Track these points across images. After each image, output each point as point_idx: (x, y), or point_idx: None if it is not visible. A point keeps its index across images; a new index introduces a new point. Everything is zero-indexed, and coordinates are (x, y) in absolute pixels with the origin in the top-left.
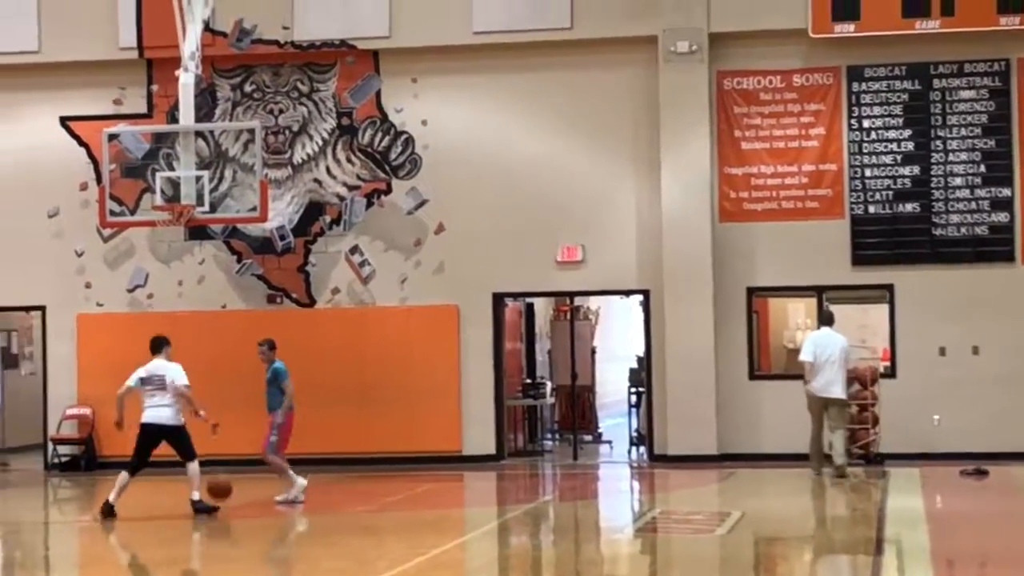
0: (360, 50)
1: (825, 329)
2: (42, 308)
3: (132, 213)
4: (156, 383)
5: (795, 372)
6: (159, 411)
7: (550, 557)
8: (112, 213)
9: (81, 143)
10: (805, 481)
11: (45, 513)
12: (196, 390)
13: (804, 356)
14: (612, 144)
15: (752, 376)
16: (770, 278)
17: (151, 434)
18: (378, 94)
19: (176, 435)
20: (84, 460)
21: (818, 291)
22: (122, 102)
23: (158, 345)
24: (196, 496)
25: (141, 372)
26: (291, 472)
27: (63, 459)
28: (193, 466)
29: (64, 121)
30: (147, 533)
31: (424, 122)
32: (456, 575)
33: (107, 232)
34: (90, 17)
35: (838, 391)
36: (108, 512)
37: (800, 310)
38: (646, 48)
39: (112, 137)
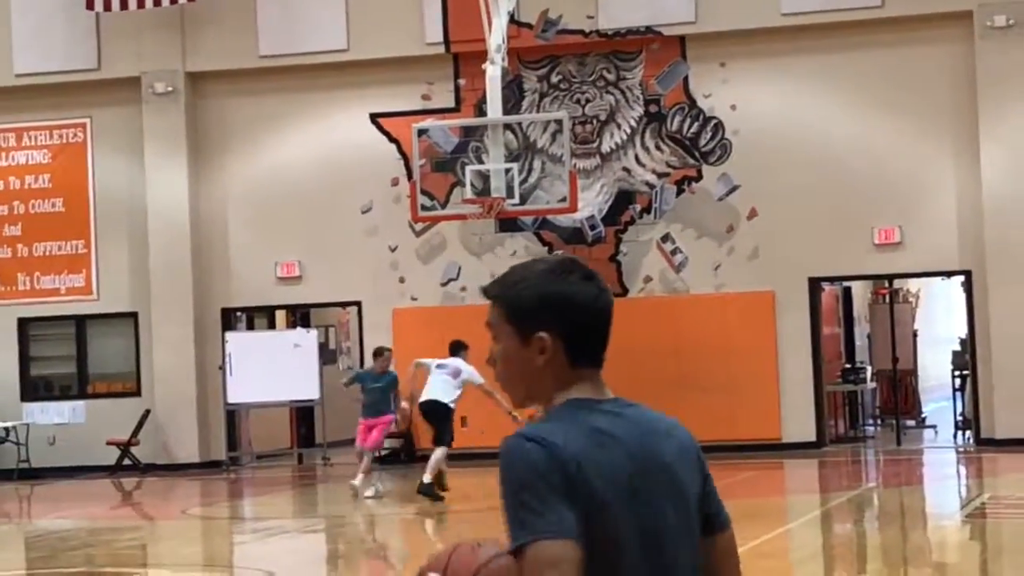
0: (666, 36)
1: None
2: (358, 304)
3: (443, 207)
4: (450, 370)
5: None
6: (437, 390)
7: (876, 544)
8: (423, 208)
9: (391, 139)
10: None
11: (366, 506)
12: None
13: None
14: (928, 122)
15: None
16: None
17: (427, 411)
18: (685, 80)
19: (444, 416)
20: (403, 453)
21: None
22: (430, 97)
23: (457, 348)
24: (427, 479)
25: (437, 361)
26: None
27: (383, 452)
28: (439, 452)
29: (374, 118)
30: (463, 522)
31: (733, 107)
32: (782, 564)
33: (419, 227)
34: (397, 14)
35: None
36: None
37: None
38: (961, 23)
39: (421, 132)
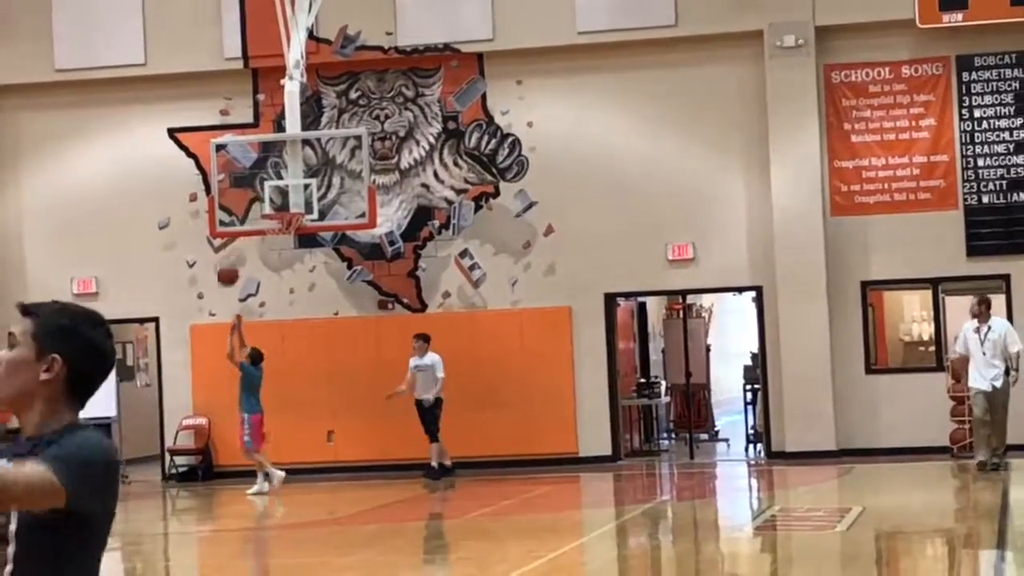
0: (464, 53)
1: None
2: (155, 319)
3: (242, 223)
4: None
5: (912, 366)
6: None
7: (669, 557)
8: (222, 223)
9: (189, 154)
10: (925, 475)
11: (164, 524)
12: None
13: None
14: (720, 140)
15: (869, 370)
16: (884, 271)
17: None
18: (483, 97)
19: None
20: (201, 470)
21: (933, 283)
22: (229, 112)
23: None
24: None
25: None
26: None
27: (180, 470)
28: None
29: (172, 133)
30: (258, 543)
31: (530, 124)
32: None
33: (218, 242)
34: (195, 29)
35: None
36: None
37: (915, 303)
38: (752, 43)
39: (220, 147)
